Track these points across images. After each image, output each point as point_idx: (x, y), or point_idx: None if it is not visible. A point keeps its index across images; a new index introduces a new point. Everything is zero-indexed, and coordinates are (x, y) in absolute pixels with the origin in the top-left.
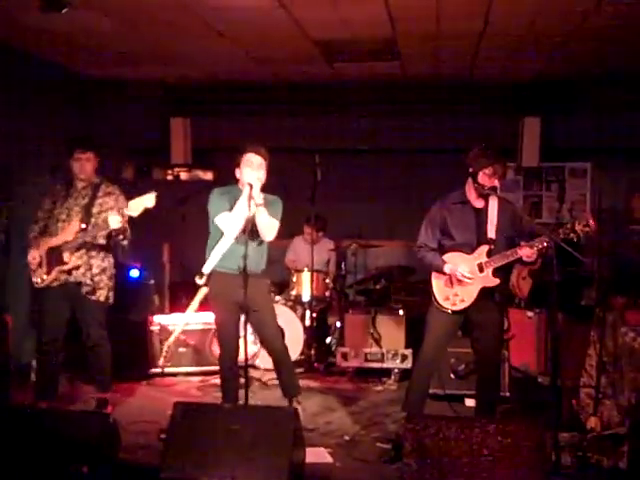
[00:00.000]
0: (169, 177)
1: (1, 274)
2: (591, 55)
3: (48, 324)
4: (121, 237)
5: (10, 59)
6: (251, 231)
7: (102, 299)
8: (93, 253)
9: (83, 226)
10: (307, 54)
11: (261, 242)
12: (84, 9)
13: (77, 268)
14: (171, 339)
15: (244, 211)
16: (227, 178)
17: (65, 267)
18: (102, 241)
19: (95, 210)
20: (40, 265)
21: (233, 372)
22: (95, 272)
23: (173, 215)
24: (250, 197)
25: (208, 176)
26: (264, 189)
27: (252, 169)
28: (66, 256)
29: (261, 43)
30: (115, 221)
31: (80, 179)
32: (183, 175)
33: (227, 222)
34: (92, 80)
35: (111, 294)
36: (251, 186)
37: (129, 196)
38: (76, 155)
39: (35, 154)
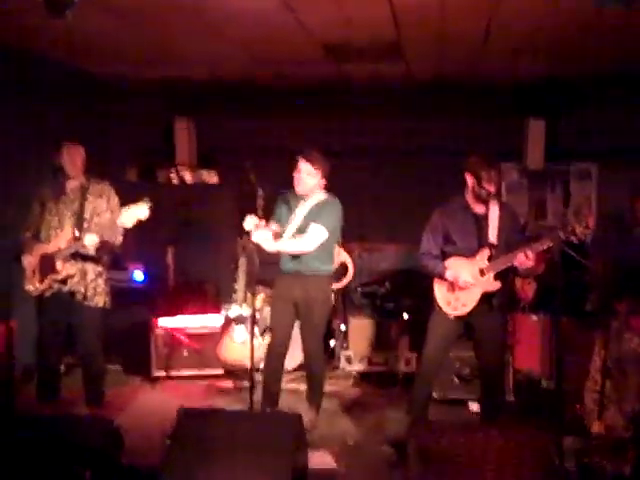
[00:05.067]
0: (174, 180)
1: (6, 279)
2: (595, 56)
3: (45, 330)
4: (105, 252)
5: (11, 59)
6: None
7: (101, 304)
8: (87, 259)
9: (77, 234)
10: (312, 56)
11: None
12: (87, 9)
13: (71, 277)
14: None
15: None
16: (232, 179)
17: (58, 276)
18: (92, 252)
19: (87, 215)
20: (33, 272)
21: (276, 377)
22: (91, 277)
23: (177, 217)
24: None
25: (213, 179)
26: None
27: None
28: (59, 264)
29: (266, 45)
30: (90, 240)
31: (69, 177)
32: (187, 177)
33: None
34: (95, 80)
35: (108, 299)
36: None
37: (132, 199)
38: (65, 147)
39: (36, 155)
